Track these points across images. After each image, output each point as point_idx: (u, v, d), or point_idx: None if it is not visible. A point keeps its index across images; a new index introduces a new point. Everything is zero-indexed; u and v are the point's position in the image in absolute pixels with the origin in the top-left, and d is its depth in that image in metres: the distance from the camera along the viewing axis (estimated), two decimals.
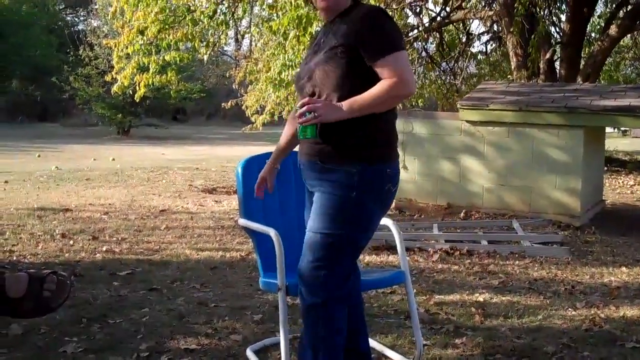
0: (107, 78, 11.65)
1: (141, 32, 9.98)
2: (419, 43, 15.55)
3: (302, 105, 2.75)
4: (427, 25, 14.93)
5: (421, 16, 15.26)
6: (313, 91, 2.87)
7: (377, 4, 8.31)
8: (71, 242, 6.75)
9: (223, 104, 15.55)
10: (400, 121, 9.01)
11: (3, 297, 2.24)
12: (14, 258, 6.11)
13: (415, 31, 15.06)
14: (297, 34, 8.51)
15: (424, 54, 16.21)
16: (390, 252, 6.36)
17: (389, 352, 3.69)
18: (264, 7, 11.03)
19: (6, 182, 11.86)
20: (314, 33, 8.50)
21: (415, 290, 5.07)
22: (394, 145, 2.96)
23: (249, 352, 3.70)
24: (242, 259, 6.19)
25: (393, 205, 8.91)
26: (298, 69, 3.03)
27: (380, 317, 4.48)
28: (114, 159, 17.23)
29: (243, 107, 14.92)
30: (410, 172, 8.78)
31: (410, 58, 15.90)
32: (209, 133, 31.67)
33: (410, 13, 15.43)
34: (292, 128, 3.16)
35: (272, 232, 3.18)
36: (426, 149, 8.79)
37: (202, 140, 27.23)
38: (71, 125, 32.85)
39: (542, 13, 13.95)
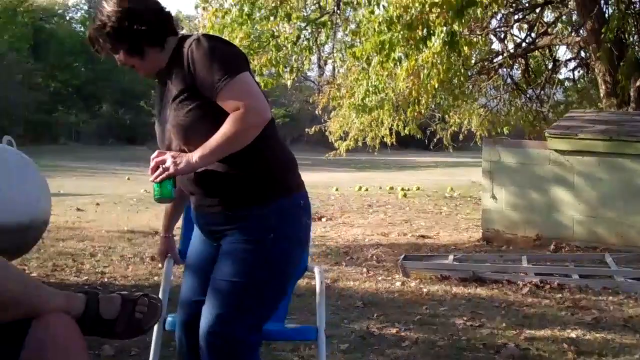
0: None
1: None
2: (504, 69, 15.34)
3: (152, 160, 2.45)
4: (512, 51, 14.73)
5: (506, 42, 15.07)
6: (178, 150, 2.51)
7: (460, 30, 8.22)
8: (160, 265, 6.84)
9: (307, 129, 15.63)
10: (487, 150, 8.92)
11: (97, 318, 2.27)
12: (105, 280, 6.24)
13: (500, 57, 14.88)
14: (381, 59, 8.51)
15: (509, 80, 15.98)
16: (479, 284, 6.24)
17: None
18: (347, 32, 11.08)
19: (97, 204, 12.16)
20: (396, 58, 8.48)
21: (504, 324, 4.97)
22: (298, 172, 2.64)
23: None
24: (328, 286, 6.16)
25: (480, 235, 8.78)
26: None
27: (468, 350, 4.38)
28: None
29: (327, 132, 14.96)
30: (498, 202, 8.62)
31: (495, 85, 15.85)
32: None
33: (494, 39, 15.25)
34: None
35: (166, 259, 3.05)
36: (514, 179, 8.63)
37: None
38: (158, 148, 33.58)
39: (631, 39, 13.59)
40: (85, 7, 46.93)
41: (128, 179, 18.78)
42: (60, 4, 46.87)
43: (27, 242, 5.86)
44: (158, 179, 2.43)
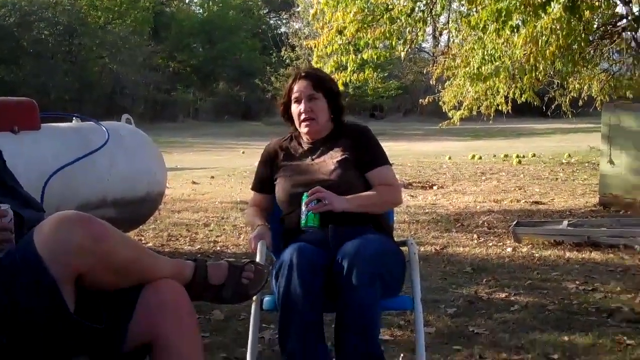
0: None
1: (340, 32, 10.15)
2: (628, 33, 14.73)
3: (312, 193, 2.99)
4: (637, 14, 14.10)
5: (631, 5, 14.45)
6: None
7: None
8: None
9: (420, 100, 15.49)
10: (607, 113, 8.65)
11: (205, 283, 2.35)
12: (218, 248, 6.44)
13: (624, 21, 14.27)
14: (497, 27, 8.33)
15: (633, 44, 15.31)
16: (594, 249, 6.07)
17: None
18: (463, 2, 10.87)
19: (212, 177, 12.48)
20: (513, 25, 8.29)
21: (618, 289, 4.84)
22: None
23: None
24: (437, 252, 6.16)
25: (597, 200, 8.56)
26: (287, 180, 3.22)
27: (579, 314, 4.30)
28: None
29: (440, 102, 14.78)
30: (616, 166, 8.34)
31: (618, 48, 15.22)
32: (406, 129, 31.73)
33: (618, 2, 14.64)
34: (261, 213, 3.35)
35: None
36: (634, 143, 8.31)
37: (398, 136, 27.31)
38: (273, 123, 33.93)
39: None
40: None
41: (243, 152, 19.15)
42: None
43: (143, 213, 6.11)
44: (318, 210, 2.97)
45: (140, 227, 6.74)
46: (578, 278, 5.16)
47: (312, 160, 3.23)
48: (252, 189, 3.44)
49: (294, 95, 3.23)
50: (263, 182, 3.35)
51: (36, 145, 5.16)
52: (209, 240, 6.82)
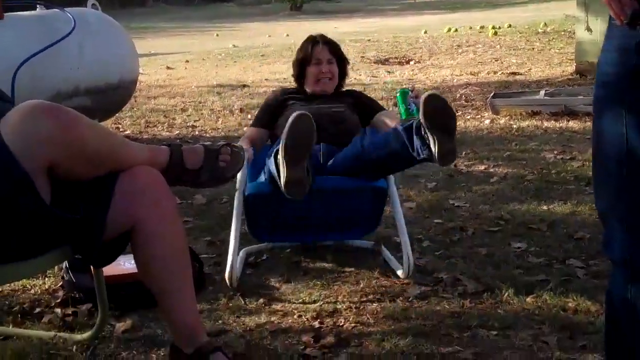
0: None
1: None
2: None
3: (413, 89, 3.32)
4: None
5: None
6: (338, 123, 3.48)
7: None
8: (249, 116, 6.92)
9: None
10: None
11: (182, 168, 2.32)
12: (196, 133, 6.40)
13: None
14: None
15: None
16: (570, 117, 6.10)
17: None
18: None
19: (187, 61, 12.29)
20: None
21: None
22: None
23: None
24: None
25: (573, 69, 8.53)
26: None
27: (558, 183, 4.34)
28: (288, 35, 17.39)
29: None
30: (593, 33, 8.25)
31: None
32: (381, 4, 31.20)
33: None
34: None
35: None
36: None
37: (373, 12, 26.90)
38: (246, 4, 33.34)
39: None
40: None
41: (217, 35, 18.82)
42: None
43: (117, 101, 6.02)
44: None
45: (117, 115, 6.67)
46: (556, 147, 5.19)
47: (318, 104, 3.60)
48: (253, 125, 3.72)
49: (316, 58, 3.71)
50: (269, 115, 3.65)
51: (0, 36, 5.01)
52: (187, 125, 6.76)
